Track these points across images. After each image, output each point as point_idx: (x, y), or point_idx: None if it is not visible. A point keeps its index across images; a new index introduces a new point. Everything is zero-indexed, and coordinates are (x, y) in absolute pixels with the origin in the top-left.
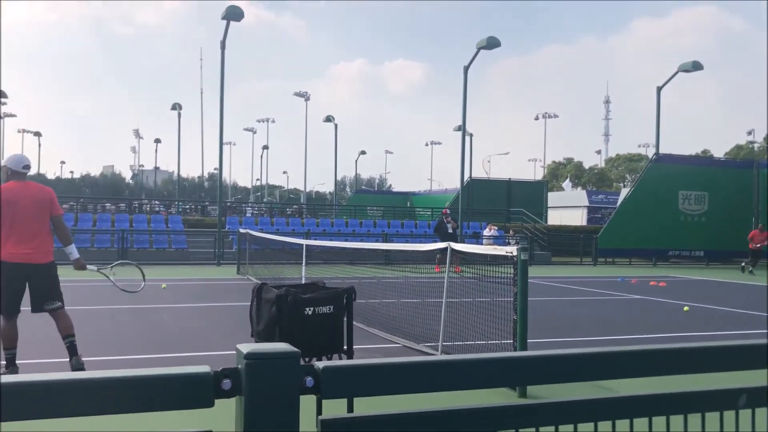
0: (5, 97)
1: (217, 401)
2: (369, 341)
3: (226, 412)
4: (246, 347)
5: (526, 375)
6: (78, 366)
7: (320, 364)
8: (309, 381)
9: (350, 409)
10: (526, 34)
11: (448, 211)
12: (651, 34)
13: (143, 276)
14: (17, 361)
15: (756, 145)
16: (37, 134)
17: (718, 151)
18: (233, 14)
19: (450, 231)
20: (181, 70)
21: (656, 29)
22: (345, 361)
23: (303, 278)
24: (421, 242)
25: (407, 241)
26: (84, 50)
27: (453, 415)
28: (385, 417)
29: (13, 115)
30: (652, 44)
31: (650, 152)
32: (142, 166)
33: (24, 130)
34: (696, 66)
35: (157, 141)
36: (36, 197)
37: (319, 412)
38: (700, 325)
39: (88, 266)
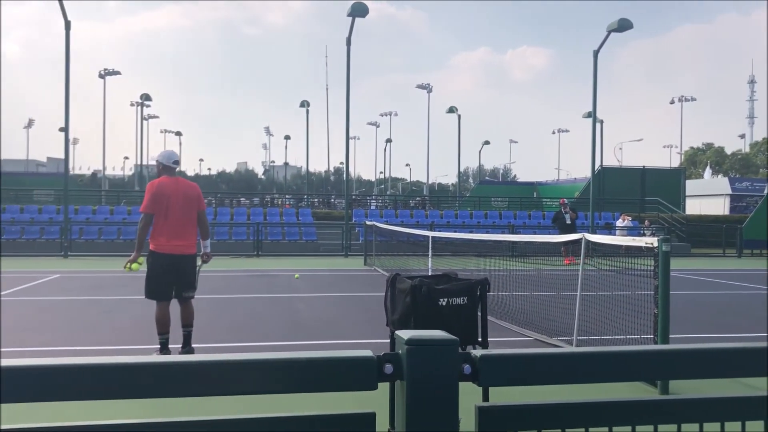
0: (150, 99)
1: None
2: (500, 334)
3: (379, 396)
4: (407, 333)
5: (674, 369)
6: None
7: (477, 353)
8: (467, 368)
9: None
10: (658, 14)
11: (566, 201)
12: None
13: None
14: (170, 346)
15: None
16: (178, 134)
17: None
18: (358, 10)
19: (568, 222)
20: (308, 68)
21: None
22: (501, 350)
23: (430, 270)
24: (549, 233)
25: (534, 233)
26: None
27: (601, 407)
28: (539, 406)
29: (156, 117)
30: None
31: None
32: (273, 162)
33: (166, 131)
34: None
35: (287, 138)
36: (187, 192)
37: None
38: None
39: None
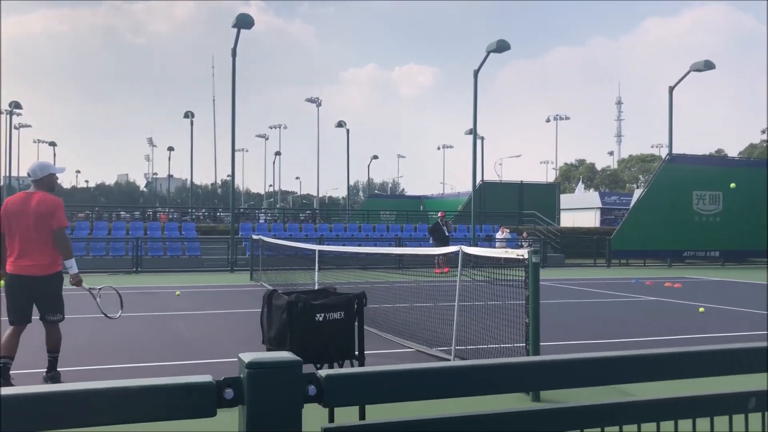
0: (20, 107)
1: (220, 411)
2: (382, 346)
3: (230, 422)
4: (248, 356)
5: (539, 380)
6: (53, 381)
7: (323, 373)
8: (312, 389)
9: (362, 416)
10: (535, 36)
11: (444, 214)
12: (662, 33)
13: (121, 304)
14: (12, 372)
15: None
16: (52, 144)
17: (732, 150)
18: (243, 22)
19: (446, 234)
20: (194, 78)
21: (667, 28)
22: (348, 369)
23: (316, 284)
24: (433, 246)
25: (420, 245)
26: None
27: (462, 422)
28: (389, 425)
29: (28, 126)
30: (663, 44)
31: (663, 152)
32: (156, 174)
33: (39, 141)
34: (708, 65)
35: (171, 149)
36: (38, 209)
37: (331, 420)
38: (717, 327)
39: (83, 284)
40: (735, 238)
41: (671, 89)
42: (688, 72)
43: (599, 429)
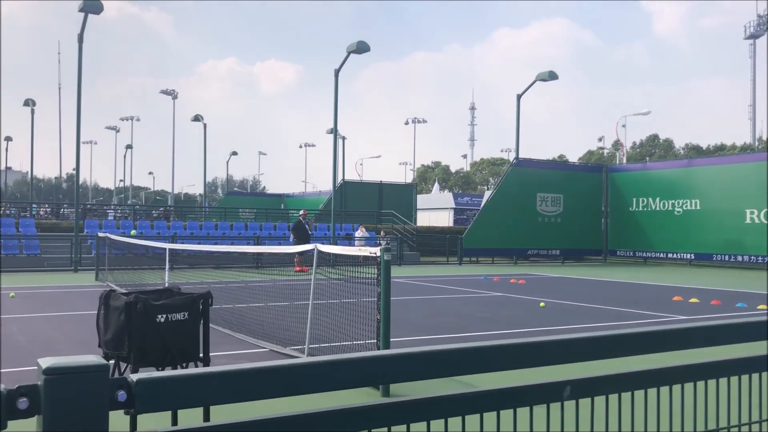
0: None
1: (16, 422)
2: (235, 347)
3: None
4: (47, 361)
5: (385, 373)
6: None
7: (134, 377)
8: (121, 395)
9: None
10: (396, 39)
11: (306, 212)
12: (511, 44)
13: None
14: None
15: (605, 151)
16: None
17: (573, 156)
18: (91, 7)
19: (308, 232)
20: (36, 64)
21: (516, 39)
22: (162, 373)
23: (166, 283)
24: (294, 244)
25: (280, 244)
26: None
27: (293, 421)
28: (212, 428)
29: None
30: (513, 54)
31: (512, 156)
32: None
33: None
34: (552, 75)
35: (8, 139)
36: None
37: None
38: (554, 320)
39: None
40: (573, 238)
41: (519, 97)
42: (534, 81)
43: (443, 420)
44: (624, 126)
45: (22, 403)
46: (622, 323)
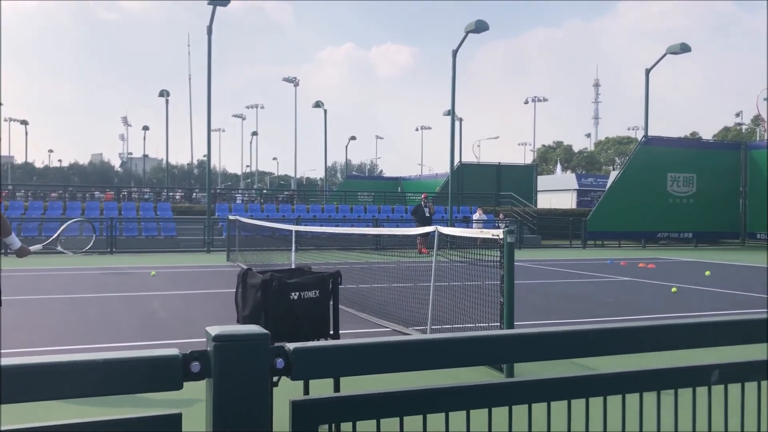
0: None
1: (188, 384)
2: (359, 326)
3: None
4: (215, 329)
5: (508, 353)
6: None
7: (291, 346)
8: (279, 362)
9: (337, 389)
10: (513, 17)
11: (428, 195)
12: (637, 15)
13: (93, 229)
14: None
15: (744, 127)
16: (24, 122)
17: (707, 133)
18: None
19: (427, 215)
20: (169, 56)
21: (642, 11)
22: (316, 343)
23: (293, 264)
24: (411, 226)
25: (398, 226)
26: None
27: (434, 394)
28: (358, 397)
29: None
30: (640, 26)
31: (639, 135)
32: (131, 153)
33: (10, 119)
34: (684, 48)
35: (146, 128)
36: None
37: (305, 391)
38: (688, 306)
39: (32, 249)
40: (707, 220)
41: (647, 72)
42: (665, 55)
43: (566, 401)
44: (766, 99)
45: (195, 366)
46: (759, 311)
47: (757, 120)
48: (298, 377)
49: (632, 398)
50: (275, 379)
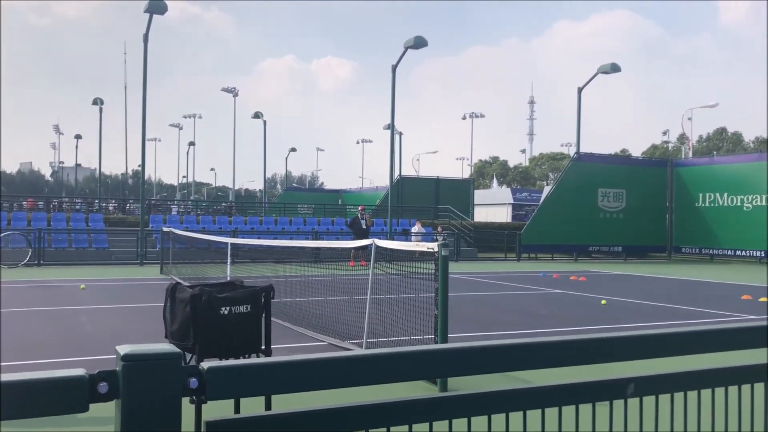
0: None
1: (97, 406)
2: (294, 340)
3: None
4: (125, 348)
5: (441, 367)
6: None
7: (205, 365)
8: (193, 382)
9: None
10: (452, 34)
11: (364, 208)
12: (571, 36)
13: (29, 243)
14: None
15: (670, 145)
16: None
17: (636, 151)
18: (156, 7)
19: (364, 227)
20: (104, 64)
21: (576, 32)
22: (231, 361)
23: (228, 277)
24: (351, 239)
25: (338, 239)
26: None
27: (354, 412)
28: (276, 417)
29: None
30: (573, 46)
31: (572, 151)
32: (63, 162)
33: None
34: (614, 68)
35: (78, 137)
36: None
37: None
38: (616, 318)
39: None
40: (636, 234)
41: (580, 90)
42: (596, 74)
43: (505, 414)
44: (690, 119)
45: (102, 387)
46: (686, 322)
47: (682, 138)
48: (212, 397)
49: (568, 410)
50: (202, 398)
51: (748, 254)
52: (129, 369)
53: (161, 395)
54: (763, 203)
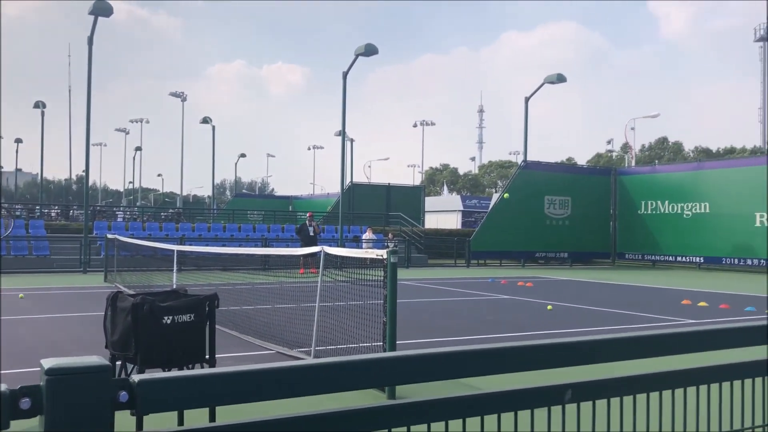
0: None
1: (18, 422)
2: (242, 349)
3: None
4: (49, 362)
5: (389, 375)
6: None
7: (136, 378)
8: (123, 396)
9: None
10: (404, 42)
11: (312, 215)
12: (519, 46)
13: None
14: None
15: (614, 154)
16: None
17: (581, 159)
18: (101, 9)
19: (311, 234)
20: (46, 66)
21: (524, 42)
22: (164, 374)
23: (174, 285)
24: (301, 247)
25: (287, 246)
26: None
27: (301, 422)
28: (217, 429)
29: None
30: (521, 56)
31: (519, 159)
32: (2, 167)
33: None
34: (560, 78)
35: (18, 141)
36: None
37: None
38: (561, 323)
39: None
40: (581, 240)
41: (527, 100)
42: (543, 84)
43: (460, 420)
44: (633, 129)
45: (25, 403)
46: (628, 327)
47: (625, 147)
48: (145, 411)
49: (507, 417)
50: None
51: (688, 260)
52: (53, 383)
53: (88, 410)
54: (705, 210)
